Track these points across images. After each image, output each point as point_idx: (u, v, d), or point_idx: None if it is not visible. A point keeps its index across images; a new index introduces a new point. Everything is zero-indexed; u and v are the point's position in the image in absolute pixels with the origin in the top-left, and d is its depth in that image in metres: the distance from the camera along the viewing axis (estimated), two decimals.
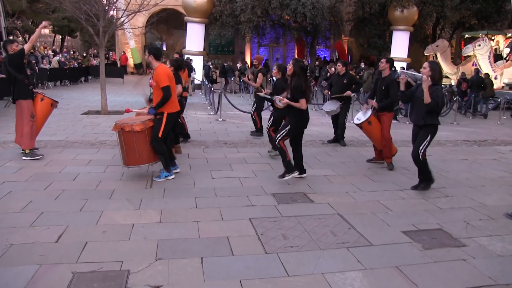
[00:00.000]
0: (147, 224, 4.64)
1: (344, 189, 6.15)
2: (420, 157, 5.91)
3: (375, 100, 7.46)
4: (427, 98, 5.64)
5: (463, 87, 16.82)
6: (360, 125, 7.42)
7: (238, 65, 23.66)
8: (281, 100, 6.19)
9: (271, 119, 7.73)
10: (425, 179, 6.17)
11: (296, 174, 6.30)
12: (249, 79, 10.61)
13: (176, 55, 11.47)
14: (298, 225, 4.72)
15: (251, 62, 25.84)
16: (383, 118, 7.34)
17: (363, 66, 20.67)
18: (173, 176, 6.29)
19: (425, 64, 5.93)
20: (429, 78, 5.73)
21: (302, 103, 6.02)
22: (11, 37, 23.49)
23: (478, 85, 16.21)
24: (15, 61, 7.08)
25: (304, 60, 18.83)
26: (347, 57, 29.11)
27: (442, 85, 6.05)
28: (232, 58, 30.35)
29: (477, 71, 17.45)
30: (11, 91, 7.27)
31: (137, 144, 6.05)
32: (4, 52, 7.35)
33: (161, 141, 6.16)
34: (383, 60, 7.50)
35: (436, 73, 5.80)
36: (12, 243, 4.05)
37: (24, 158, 7.15)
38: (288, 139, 6.30)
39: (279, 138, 6.16)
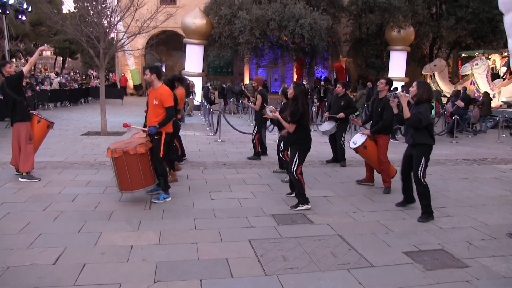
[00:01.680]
0: (146, 246, 4.60)
1: (344, 209, 6.12)
2: (422, 180, 5.70)
3: (371, 121, 7.44)
4: (406, 113, 5.63)
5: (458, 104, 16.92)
6: (355, 150, 7.27)
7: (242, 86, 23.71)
8: (273, 112, 6.24)
9: (281, 142, 7.64)
10: (425, 211, 5.82)
11: (309, 206, 6.09)
12: (249, 102, 10.65)
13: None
14: (298, 246, 4.68)
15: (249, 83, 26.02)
16: (379, 141, 7.20)
17: (370, 86, 20.40)
18: (170, 198, 6.27)
19: (414, 84, 5.86)
20: (407, 94, 5.81)
21: (290, 127, 6.03)
22: (7, 59, 23.65)
23: (466, 103, 16.36)
24: (14, 83, 7.11)
25: (305, 82, 18.91)
26: (346, 77, 29.29)
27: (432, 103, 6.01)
28: (231, 79, 30.53)
29: (465, 89, 17.55)
30: (8, 113, 7.29)
31: (142, 167, 6.02)
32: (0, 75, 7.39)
33: (162, 161, 6.18)
34: (383, 81, 7.36)
35: (421, 92, 5.68)
36: (8, 265, 4.01)
37: (20, 179, 7.13)
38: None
39: (295, 169, 6.04)
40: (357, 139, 7.32)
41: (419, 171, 5.72)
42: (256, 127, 9.61)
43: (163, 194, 6.25)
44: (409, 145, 5.92)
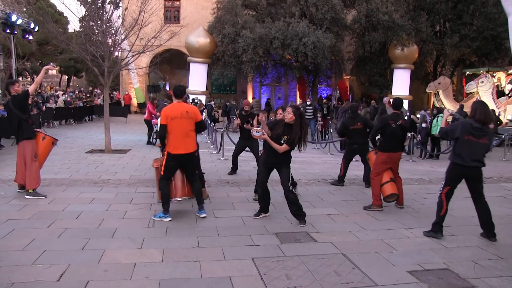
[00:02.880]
0: (149, 263, 4.59)
1: (347, 228, 6.10)
2: (439, 195, 5.83)
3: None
4: (442, 124, 6.09)
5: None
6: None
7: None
8: (260, 132, 6.08)
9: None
10: (433, 225, 5.86)
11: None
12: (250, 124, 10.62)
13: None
14: (301, 265, 4.66)
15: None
16: (375, 157, 7.42)
17: (374, 104, 20.25)
18: (168, 219, 6.13)
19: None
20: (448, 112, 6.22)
21: (283, 148, 5.97)
22: (15, 78, 23.87)
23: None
24: (20, 102, 7.18)
25: (309, 101, 18.93)
26: (349, 95, 29.36)
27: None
28: (234, 97, 30.64)
29: (462, 106, 17.49)
30: (14, 131, 7.33)
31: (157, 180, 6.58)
32: (7, 93, 7.48)
33: (164, 179, 6.13)
34: (386, 100, 7.58)
35: (474, 112, 5.67)
36: (13, 282, 4.01)
37: (26, 196, 7.16)
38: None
39: (292, 188, 6.11)
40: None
41: (441, 186, 5.88)
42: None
43: (160, 212, 6.20)
44: None
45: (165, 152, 6.13)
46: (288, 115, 6.04)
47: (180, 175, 6.34)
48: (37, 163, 7.36)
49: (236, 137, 15.45)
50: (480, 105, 5.75)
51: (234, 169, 10.01)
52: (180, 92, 6.33)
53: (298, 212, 6.16)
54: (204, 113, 20.64)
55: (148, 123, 14.93)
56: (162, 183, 6.14)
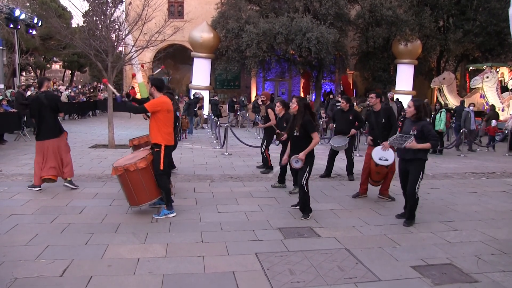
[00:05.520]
0: (153, 259, 4.60)
1: (351, 223, 6.09)
2: (417, 195, 5.97)
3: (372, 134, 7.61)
4: (425, 147, 5.76)
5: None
6: (387, 166, 7.08)
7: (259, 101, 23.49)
8: (300, 162, 6.03)
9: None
10: (412, 216, 6.11)
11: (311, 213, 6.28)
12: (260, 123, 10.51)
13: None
14: (305, 260, 4.66)
15: (255, 97, 26.02)
16: None
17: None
18: (173, 214, 6.13)
19: (409, 103, 6.00)
20: (413, 142, 5.75)
21: (315, 136, 6.04)
22: (20, 73, 23.96)
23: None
24: (53, 103, 7.41)
25: (308, 96, 18.93)
26: (352, 91, 29.28)
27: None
28: (238, 92, 30.59)
29: (463, 102, 17.39)
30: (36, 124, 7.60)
31: (145, 181, 6.04)
32: (37, 87, 7.81)
33: (164, 174, 6.10)
34: (373, 95, 7.58)
35: (421, 110, 5.86)
36: (16, 277, 4.02)
37: (66, 184, 7.48)
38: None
39: (305, 182, 6.11)
40: (384, 154, 6.95)
41: (417, 186, 5.92)
42: (266, 142, 9.53)
43: (164, 209, 6.15)
44: (405, 159, 6.01)
45: (162, 147, 6.03)
46: (292, 105, 6.27)
47: (141, 182, 6.04)
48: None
49: (239, 132, 15.45)
50: (420, 104, 5.93)
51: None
52: (162, 84, 6.40)
53: (303, 207, 6.22)
54: (203, 108, 20.69)
55: None
56: (164, 178, 6.09)
